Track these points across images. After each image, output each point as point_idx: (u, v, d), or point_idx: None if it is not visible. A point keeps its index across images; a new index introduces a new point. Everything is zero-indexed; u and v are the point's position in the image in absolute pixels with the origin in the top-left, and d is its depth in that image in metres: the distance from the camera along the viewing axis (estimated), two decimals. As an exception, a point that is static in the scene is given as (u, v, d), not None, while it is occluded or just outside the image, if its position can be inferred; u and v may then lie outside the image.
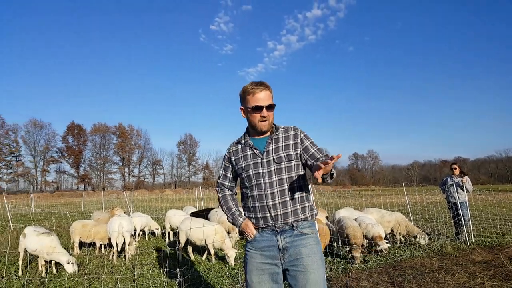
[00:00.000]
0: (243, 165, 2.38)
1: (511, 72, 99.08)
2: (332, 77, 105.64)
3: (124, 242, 7.29)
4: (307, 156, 2.35)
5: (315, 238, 2.29)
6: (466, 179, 8.30)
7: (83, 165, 74.64)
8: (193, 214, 9.50)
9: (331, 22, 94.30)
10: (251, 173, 2.33)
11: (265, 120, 2.34)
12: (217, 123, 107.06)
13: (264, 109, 2.31)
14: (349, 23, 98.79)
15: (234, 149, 2.48)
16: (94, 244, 8.15)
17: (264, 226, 2.29)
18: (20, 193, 52.98)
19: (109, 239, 7.44)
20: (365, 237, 6.95)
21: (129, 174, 77.54)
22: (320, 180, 2.03)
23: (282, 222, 2.25)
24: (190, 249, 7.16)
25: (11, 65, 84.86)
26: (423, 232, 7.76)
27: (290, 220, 2.26)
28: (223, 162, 2.56)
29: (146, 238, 10.13)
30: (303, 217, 2.28)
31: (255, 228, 2.34)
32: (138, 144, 78.66)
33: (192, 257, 7.08)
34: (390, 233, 8.15)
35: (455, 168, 8.58)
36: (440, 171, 76.21)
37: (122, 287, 5.19)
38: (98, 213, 10.93)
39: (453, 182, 8.37)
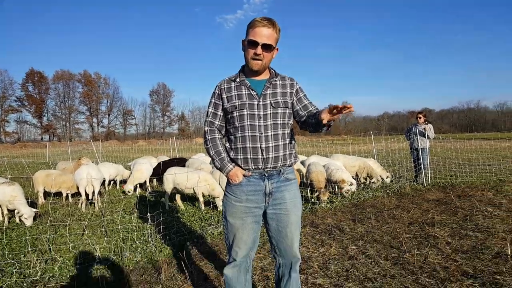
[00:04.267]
0: (237, 103, 2.28)
1: (477, 27, 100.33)
2: (311, 27, 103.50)
3: (93, 192, 7.31)
4: (300, 106, 2.35)
5: (296, 183, 2.41)
6: (429, 127, 8.73)
7: (46, 115, 71.12)
8: (164, 163, 9.54)
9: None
10: (245, 112, 2.26)
11: (258, 59, 2.21)
12: (193, 73, 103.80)
13: (259, 47, 2.17)
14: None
15: (226, 86, 2.35)
16: (61, 194, 8.09)
17: (253, 168, 2.27)
18: (-23, 145, 50.26)
19: (77, 188, 7.42)
20: (329, 181, 7.30)
21: (98, 125, 74.97)
22: (325, 121, 1.96)
23: (271, 166, 2.26)
24: (178, 196, 7.22)
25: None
26: (381, 178, 8.25)
27: (279, 165, 2.28)
28: (213, 100, 2.40)
29: (118, 187, 10.15)
30: (289, 162, 2.33)
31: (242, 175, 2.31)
32: (106, 93, 75.40)
33: (181, 204, 7.13)
34: (355, 177, 8.58)
35: (420, 117, 8.98)
36: (408, 121, 78.77)
37: (91, 232, 5.25)
38: (63, 163, 10.67)
39: (417, 130, 8.81)
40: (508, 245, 3.87)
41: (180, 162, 9.70)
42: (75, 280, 3.56)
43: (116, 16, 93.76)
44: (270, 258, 3.93)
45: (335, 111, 1.91)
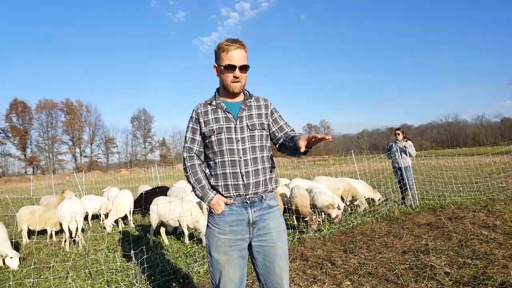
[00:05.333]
0: (214, 127, 2.25)
1: (451, 42, 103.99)
2: (285, 46, 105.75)
3: (77, 228, 7.04)
4: (276, 128, 2.36)
5: (279, 210, 2.34)
6: (409, 144, 8.70)
7: (30, 146, 70.12)
8: (146, 193, 9.31)
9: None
10: (223, 136, 2.22)
11: (238, 81, 2.25)
12: (172, 96, 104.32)
13: (237, 69, 2.22)
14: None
15: (203, 110, 2.33)
16: (45, 232, 7.78)
17: (235, 194, 2.20)
18: (-39, 181, 48.78)
19: (61, 224, 7.15)
20: (314, 206, 7.07)
21: (81, 155, 73.99)
22: (303, 149, 2.00)
23: (253, 192, 2.20)
24: (162, 230, 6.92)
25: None
26: (365, 199, 8.13)
27: (260, 190, 2.22)
28: (190, 125, 2.37)
29: (101, 222, 9.80)
30: (270, 188, 2.28)
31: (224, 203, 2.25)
32: (89, 121, 74.88)
33: (165, 238, 6.80)
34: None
35: (398, 134, 8.94)
36: (387, 138, 79.94)
37: (75, 275, 5.02)
38: (47, 198, 10.39)
39: (397, 148, 8.76)
40: None
41: (162, 191, 9.49)
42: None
43: (96, 43, 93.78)
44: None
45: (313, 140, 1.93)
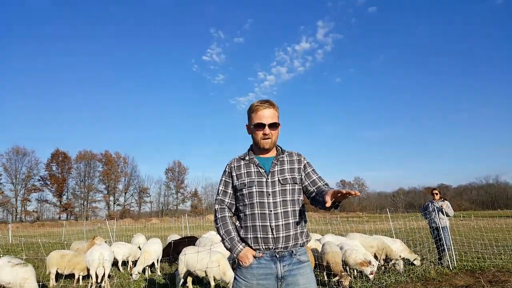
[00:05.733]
0: (246, 180, 2.33)
1: (489, 103, 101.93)
2: (320, 106, 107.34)
3: (104, 273, 7.08)
4: (308, 182, 2.39)
5: (310, 266, 2.31)
6: (446, 204, 8.45)
7: (66, 193, 72.25)
8: (175, 243, 9.34)
9: (319, 55, 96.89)
10: (254, 190, 2.28)
11: (267, 138, 2.35)
12: (207, 150, 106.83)
13: (267, 127, 2.33)
14: (336, 56, 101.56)
15: (236, 164, 2.43)
16: (73, 276, 7.86)
17: (264, 248, 2.21)
18: (-3, 223, 50.79)
19: (88, 270, 7.21)
20: (345, 263, 6.83)
21: (114, 203, 75.07)
22: (329, 204, 2.00)
23: (282, 246, 2.20)
24: (189, 280, 6.84)
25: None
26: (399, 258, 7.76)
27: (290, 244, 2.22)
28: (223, 178, 2.46)
29: (128, 269, 9.82)
30: (301, 242, 2.27)
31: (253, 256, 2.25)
32: (125, 172, 76.73)
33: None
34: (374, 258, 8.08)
35: (436, 194, 8.75)
36: (424, 197, 76.55)
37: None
38: (77, 243, 10.60)
39: (434, 207, 8.51)
40: None
41: (191, 241, 9.49)
42: None
43: (138, 98, 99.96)
44: None
45: (339, 195, 1.94)
